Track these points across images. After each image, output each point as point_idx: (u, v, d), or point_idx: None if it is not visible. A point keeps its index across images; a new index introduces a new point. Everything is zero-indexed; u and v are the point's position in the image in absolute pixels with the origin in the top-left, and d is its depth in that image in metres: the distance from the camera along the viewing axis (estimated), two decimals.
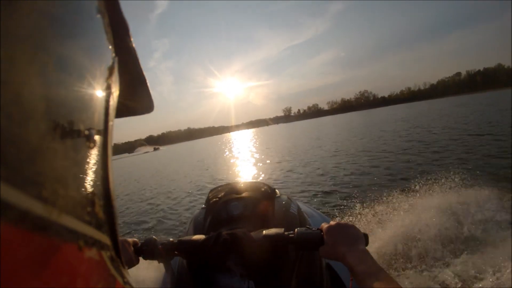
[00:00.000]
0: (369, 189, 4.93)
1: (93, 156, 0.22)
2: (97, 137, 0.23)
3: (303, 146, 15.72)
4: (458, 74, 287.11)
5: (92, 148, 0.22)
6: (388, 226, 3.07)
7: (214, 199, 1.19)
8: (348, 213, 3.89)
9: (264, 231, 0.81)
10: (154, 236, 0.93)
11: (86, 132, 0.21)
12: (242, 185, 1.28)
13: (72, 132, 0.19)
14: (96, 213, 0.22)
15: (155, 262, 0.92)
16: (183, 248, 0.88)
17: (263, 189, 1.21)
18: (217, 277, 0.84)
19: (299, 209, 1.13)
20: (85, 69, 0.22)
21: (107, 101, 0.26)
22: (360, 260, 0.60)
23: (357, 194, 4.70)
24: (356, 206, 3.97)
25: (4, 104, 0.13)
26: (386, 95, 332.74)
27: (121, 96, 0.30)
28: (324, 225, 0.73)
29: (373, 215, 3.51)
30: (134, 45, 0.34)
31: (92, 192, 0.22)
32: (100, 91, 0.25)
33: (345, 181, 5.99)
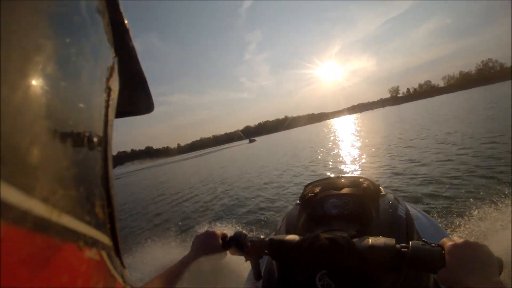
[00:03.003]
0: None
1: (93, 156, 0.22)
2: (97, 137, 0.23)
3: (410, 133, 12.74)
4: None
5: (92, 148, 0.22)
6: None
7: (310, 195, 1.08)
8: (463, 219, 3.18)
9: (370, 239, 0.68)
10: (244, 231, 0.88)
11: (86, 133, 0.21)
12: (341, 180, 1.16)
13: (72, 132, 0.19)
14: (96, 213, 0.22)
15: (242, 258, 0.86)
16: (274, 248, 0.80)
17: (365, 185, 1.07)
18: (306, 287, 0.73)
19: (407, 212, 0.97)
20: (85, 69, 0.22)
21: (107, 101, 0.26)
22: None
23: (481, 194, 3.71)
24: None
25: (4, 104, 0.13)
26: None
27: (121, 96, 0.30)
28: (447, 242, 0.59)
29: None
30: (134, 45, 0.34)
31: (92, 192, 0.22)
32: (100, 91, 0.25)
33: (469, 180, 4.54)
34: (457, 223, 3.09)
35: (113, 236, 0.25)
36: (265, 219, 5.17)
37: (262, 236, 0.84)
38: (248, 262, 0.85)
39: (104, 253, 0.23)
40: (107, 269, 0.23)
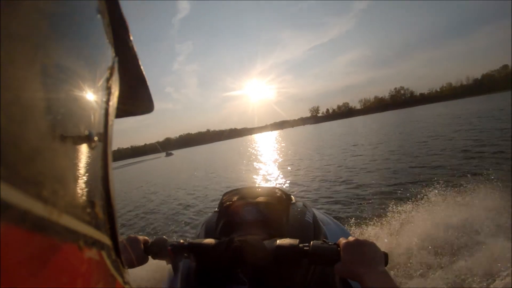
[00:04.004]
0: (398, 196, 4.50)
1: (93, 156, 0.22)
2: (97, 137, 0.23)
3: (327, 148, 14.77)
4: (505, 67, 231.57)
5: (92, 148, 0.22)
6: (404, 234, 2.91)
7: (228, 203, 1.15)
8: (370, 219, 3.62)
9: (278, 241, 0.77)
10: (164, 236, 0.91)
11: (86, 132, 0.21)
12: (257, 189, 1.23)
13: (72, 132, 0.19)
14: (96, 213, 0.22)
15: (163, 262, 0.90)
16: (193, 251, 0.85)
17: (278, 195, 1.17)
18: (225, 284, 0.81)
19: (314, 217, 1.08)
20: (86, 69, 0.22)
21: (107, 101, 0.26)
22: (379, 282, 0.57)
23: (389, 199, 4.29)
24: (387, 211, 3.71)
25: (4, 104, 0.13)
26: (425, 92, 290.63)
27: (121, 96, 0.30)
28: (342, 240, 0.69)
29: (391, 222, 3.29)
30: (134, 45, 0.34)
31: (92, 192, 0.22)
32: (100, 91, 0.25)
33: (375, 187, 5.43)
34: (357, 225, 3.65)
35: (113, 236, 0.25)
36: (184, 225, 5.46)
37: (181, 241, 0.89)
38: (170, 265, 0.91)
39: (104, 253, 0.23)
40: (107, 269, 0.23)
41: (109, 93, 0.26)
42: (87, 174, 0.21)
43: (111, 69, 0.27)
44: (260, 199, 1.12)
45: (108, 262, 0.23)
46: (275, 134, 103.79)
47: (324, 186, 6.44)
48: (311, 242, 0.73)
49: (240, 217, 1.05)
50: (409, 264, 2.43)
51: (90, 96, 0.23)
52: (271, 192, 1.20)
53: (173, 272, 0.92)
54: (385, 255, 0.65)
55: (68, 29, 0.20)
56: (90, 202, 0.21)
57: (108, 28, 0.28)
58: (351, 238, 0.68)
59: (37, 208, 0.15)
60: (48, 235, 0.16)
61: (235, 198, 1.17)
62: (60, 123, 0.18)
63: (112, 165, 0.25)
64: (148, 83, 0.40)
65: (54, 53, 0.18)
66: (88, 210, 0.21)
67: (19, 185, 0.14)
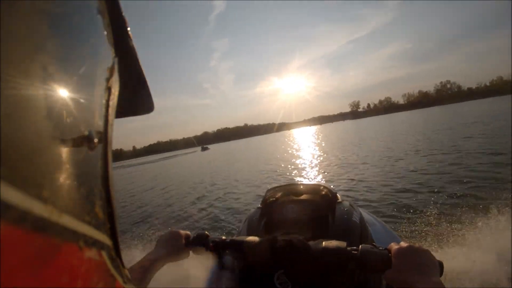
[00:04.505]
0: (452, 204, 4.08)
1: (93, 156, 0.22)
2: (97, 137, 0.23)
3: (370, 145, 14.06)
4: None
5: (92, 148, 0.22)
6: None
7: (271, 199, 1.13)
8: (418, 226, 3.41)
9: (324, 242, 0.73)
10: (206, 231, 0.91)
11: (86, 132, 0.21)
12: (301, 187, 1.20)
13: (72, 132, 0.19)
14: (96, 213, 0.22)
15: (204, 258, 0.89)
16: (235, 248, 0.83)
17: (323, 193, 1.12)
18: (265, 285, 0.77)
19: (361, 218, 1.02)
20: (85, 69, 0.22)
21: (107, 101, 0.26)
22: None
23: (436, 205, 4.07)
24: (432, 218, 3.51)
25: (4, 104, 0.13)
26: (473, 86, 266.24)
27: (121, 96, 0.30)
28: (394, 246, 0.64)
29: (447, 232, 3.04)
30: (134, 45, 0.34)
31: (92, 192, 0.22)
32: (100, 91, 0.25)
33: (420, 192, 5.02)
34: (410, 230, 3.42)
35: (113, 236, 0.25)
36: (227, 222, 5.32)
37: (223, 237, 0.87)
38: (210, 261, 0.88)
39: (104, 253, 0.23)
40: (107, 269, 0.23)
41: (109, 93, 0.26)
42: (87, 174, 0.21)
43: (111, 69, 0.27)
44: (305, 196, 1.09)
45: (108, 262, 0.23)
46: (313, 129, 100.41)
47: (374, 185, 6.05)
48: (360, 246, 0.68)
49: (283, 215, 1.02)
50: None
51: (90, 96, 0.23)
52: (316, 189, 1.15)
53: (213, 269, 0.88)
54: (440, 264, 0.60)
55: (68, 29, 0.20)
56: (90, 202, 0.21)
57: (108, 28, 0.28)
58: (403, 244, 0.64)
59: (37, 208, 0.15)
60: (48, 235, 0.16)
61: (278, 195, 1.15)
62: (60, 123, 0.18)
63: (112, 165, 0.26)
64: (148, 83, 0.40)
65: (54, 53, 0.18)
66: (88, 210, 0.21)
67: (19, 185, 0.14)
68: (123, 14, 0.30)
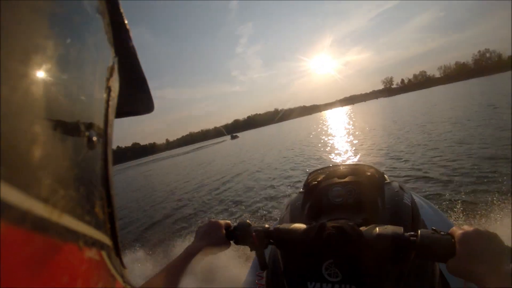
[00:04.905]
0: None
1: (93, 156, 0.22)
2: (97, 137, 0.23)
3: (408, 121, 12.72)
4: None
5: (92, 148, 0.22)
6: None
7: (314, 183, 1.06)
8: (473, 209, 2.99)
9: (377, 228, 0.66)
10: (248, 220, 0.86)
11: (86, 133, 0.21)
12: (345, 168, 1.12)
13: (72, 132, 0.19)
14: (96, 213, 0.22)
15: (246, 248, 0.83)
16: (279, 237, 0.77)
17: (369, 173, 1.03)
18: (313, 277, 0.71)
19: (413, 200, 0.91)
20: (85, 69, 0.22)
21: (107, 101, 0.26)
22: (504, 285, 0.46)
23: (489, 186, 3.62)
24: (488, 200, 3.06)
25: (4, 104, 0.13)
26: None
27: (121, 96, 0.30)
28: (457, 230, 0.56)
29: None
30: (134, 45, 0.34)
31: (92, 192, 0.22)
32: (100, 91, 0.25)
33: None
34: (462, 213, 3.04)
35: (113, 236, 0.25)
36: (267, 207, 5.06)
37: (266, 226, 0.82)
38: (251, 252, 0.83)
39: (104, 253, 0.23)
40: (107, 269, 0.23)
41: (109, 93, 0.26)
42: (87, 174, 0.21)
43: (111, 69, 0.27)
44: (350, 178, 1.01)
45: (108, 262, 0.23)
46: (346, 110, 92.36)
47: (423, 165, 5.42)
48: (419, 232, 0.61)
49: (328, 199, 0.96)
50: None
51: (90, 96, 0.23)
52: (361, 170, 1.07)
53: (256, 260, 0.83)
54: (511, 251, 0.52)
55: (68, 29, 0.20)
56: (90, 202, 0.21)
57: (108, 28, 0.28)
58: (467, 228, 0.56)
59: (37, 208, 0.15)
60: (48, 235, 0.16)
61: (321, 178, 1.08)
62: (60, 123, 0.18)
63: (112, 165, 0.26)
64: (148, 82, 0.40)
65: (54, 53, 0.18)
66: (88, 210, 0.21)
67: (19, 185, 0.14)
68: (123, 14, 0.30)
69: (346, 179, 1.02)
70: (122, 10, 0.30)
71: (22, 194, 0.14)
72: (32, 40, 0.16)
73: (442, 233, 0.59)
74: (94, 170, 0.23)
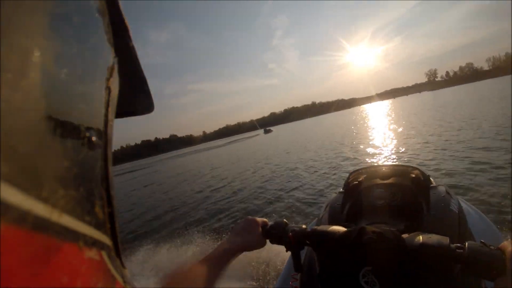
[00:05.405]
0: None
1: (93, 156, 0.23)
2: (97, 137, 0.23)
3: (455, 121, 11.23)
4: None
5: (92, 148, 0.22)
6: None
7: (354, 183, 1.02)
8: None
9: (421, 236, 0.61)
10: (285, 219, 0.83)
11: (87, 133, 0.21)
12: (387, 168, 1.07)
13: (72, 132, 0.19)
14: (96, 213, 0.22)
15: (281, 248, 0.81)
16: (316, 239, 0.73)
17: (413, 175, 0.96)
18: (348, 283, 0.67)
19: (460, 207, 0.84)
20: (85, 69, 0.23)
21: (107, 101, 0.26)
22: None
23: None
24: None
25: (4, 104, 0.13)
26: None
27: (121, 96, 0.30)
28: (509, 246, 0.51)
29: None
30: (134, 45, 0.34)
31: (92, 192, 0.22)
32: (100, 91, 0.25)
33: None
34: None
35: (113, 236, 0.25)
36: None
37: (304, 226, 0.79)
38: (284, 253, 0.81)
39: (104, 253, 0.23)
40: (107, 269, 0.23)
41: (109, 93, 0.26)
42: (87, 174, 0.21)
43: (111, 69, 0.27)
44: (393, 180, 0.97)
45: (108, 262, 0.23)
46: (387, 104, 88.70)
47: (473, 167, 4.94)
48: (466, 244, 0.56)
49: (370, 201, 0.92)
50: None
51: (90, 96, 0.23)
52: (405, 171, 1.00)
53: (293, 262, 0.80)
54: None
55: (68, 29, 0.21)
56: (90, 202, 0.21)
57: (108, 28, 0.28)
58: None
59: (37, 208, 0.15)
60: (48, 235, 0.16)
61: (362, 178, 1.03)
62: (60, 123, 0.18)
63: (112, 165, 0.26)
64: (148, 82, 0.40)
65: (54, 53, 0.18)
66: (88, 210, 0.21)
67: (19, 185, 0.14)
68: (123, 14, 0.30)
69: (389, 181, 0.96)
70: (122, 10, 0.30)
71: (22, 194, 0.14)
72: (32, 40, 0.16)
73: (491, 247, 0.53)
74: (94, 170, 0.23)
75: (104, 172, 0.25)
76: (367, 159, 8.31)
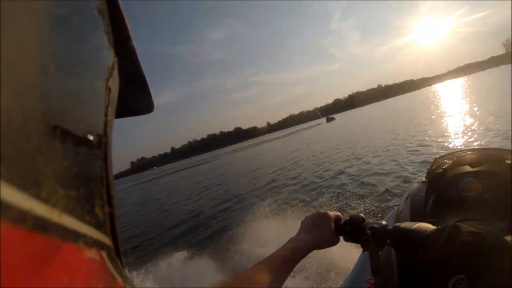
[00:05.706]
0: None
1: (93, 156, 0.23)
2: (97, 137, 0.23)
3: None
4: None
5: (92, 148, 0.22)
6: None
7: (439, 171, 0.90)
8: None
9: None
10: (362, 214, 0.72)
11: (86, 132, 0.21)
12: (476, 153, 0.92)
13: (72, 132, 0.19)
14: (96, 213, 0.22)
15: (357, 246, 0.72)
16: (399, 239, 0.63)
17: (510, 161, 0.82)
18: None
19: None
20: (85, 69, 0.23)
21: (107, 101, 0.26)
22: None
23: None
24: None
25: (4, 104, 0.13)
26: None
27: (121, 96, 0.30)
28: None
29: None
30: (134, 45, 0.34)
31: (92, 192, 0.22)
32: (100, 92, 0.25)
33: None
34: None
35: (113, 236, 0.25)
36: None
37: (384, 223, 0.68)
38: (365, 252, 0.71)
39: (104, 253, 0.23)
40: (107, 269, 0.23)
41: (109, 93, 0.26)
42: (87, 174, 0.21)
43: (111, 69, 0.27)
44: (485, 167, 0.83)
45: (108, 262, 0.23)
46: (461, 82, 78.90)
47: None
48: None
49: (458, 192, 0.80)
50: None
51: (90, 96, 0.23)
52: (500, 156, 0.85)
53: (371, 264, 0.70)
54: None
55: (68, 29, 0.21)
56: (90, 202, 0.21)
57: (108, 28, 0.28)
58: None
59: (37, 208, 0.15)
60: (48, 235, 0.16)
61: (448, 165, 0.90)
62: (60, 123, 0.18)
63: (112, 164, 0.26)
64: (148, 82, 0.40)
65: (54, 53, 0.18)
66: (88, 210, 0.21)
67: (19, 185, 0.14)
68: (123, 14, 0.30)
69: (481, 168, 0.82)
70: (122, 10, 0.30)
71: (22, 194, 0.14)
72: (32, 40, 0.16)
73: None
74: (94, 170, 0.23)
75: (104, 172, 0.25)
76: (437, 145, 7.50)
